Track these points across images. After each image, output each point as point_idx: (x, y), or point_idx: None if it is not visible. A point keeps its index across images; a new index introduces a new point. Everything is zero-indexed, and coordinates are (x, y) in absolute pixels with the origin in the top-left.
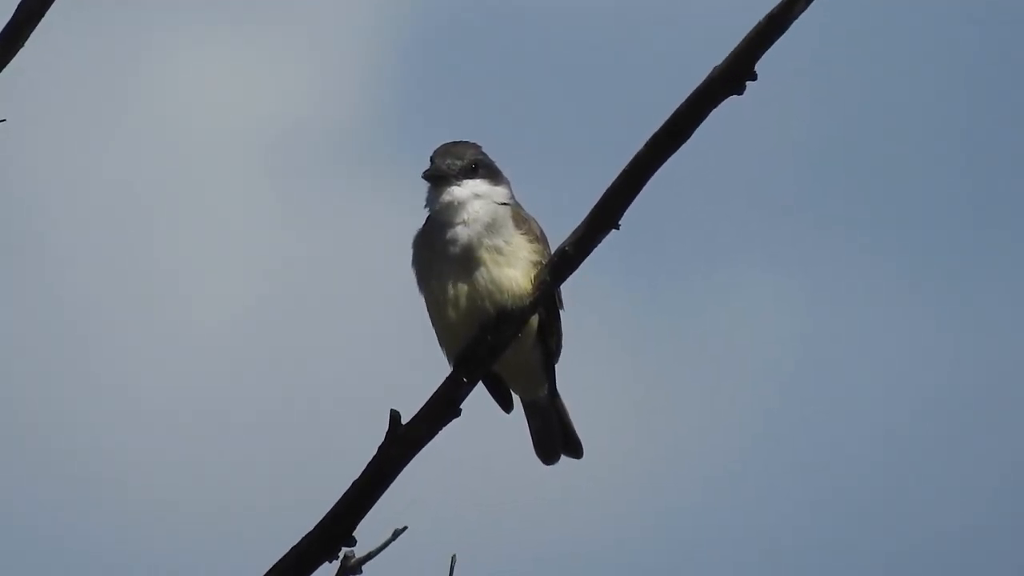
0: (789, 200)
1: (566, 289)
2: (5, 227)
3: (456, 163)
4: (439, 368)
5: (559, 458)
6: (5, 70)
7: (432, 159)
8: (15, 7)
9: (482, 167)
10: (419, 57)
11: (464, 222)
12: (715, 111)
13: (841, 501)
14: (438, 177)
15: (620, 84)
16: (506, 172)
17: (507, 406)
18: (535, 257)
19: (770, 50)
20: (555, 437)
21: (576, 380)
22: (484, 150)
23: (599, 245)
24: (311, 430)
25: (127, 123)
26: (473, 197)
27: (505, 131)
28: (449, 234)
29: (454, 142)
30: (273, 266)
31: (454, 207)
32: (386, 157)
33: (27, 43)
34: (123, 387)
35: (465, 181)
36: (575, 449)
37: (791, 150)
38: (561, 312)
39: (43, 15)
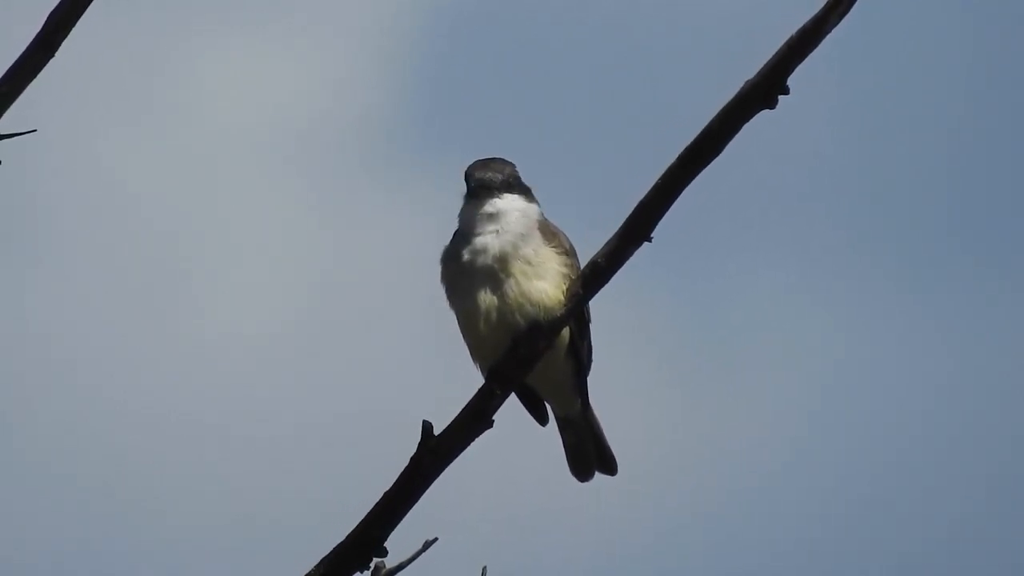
0: (821, 209)
1: (606, 301)
2: (28, 231)
3: (497, 177)
4: (472, 380)
5: (593, 475)
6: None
7: (471, 173)
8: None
9: (517, 184)
10: (441, 50)
11: (496, 233)
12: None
13: (887, 513)
14: (484, 188)
15: (649, 86)
16: (536, 193)
17: (542, 419)
18: (564, 270)
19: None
20: (589, 453)
21: (611, 393)
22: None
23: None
24: (344, 441)
25: (148, 124)
26: (512, 210)
27: (523, 131)
28: (480, 246)
29: (491, 158)
30: (299, 268)
31: (493, 218)
32: (409, 154)
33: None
34: (135, 393)
35: (505, 195)
36: (609, 465)
37: (827, 160)
38: (590, 325)
39: (74, 24)
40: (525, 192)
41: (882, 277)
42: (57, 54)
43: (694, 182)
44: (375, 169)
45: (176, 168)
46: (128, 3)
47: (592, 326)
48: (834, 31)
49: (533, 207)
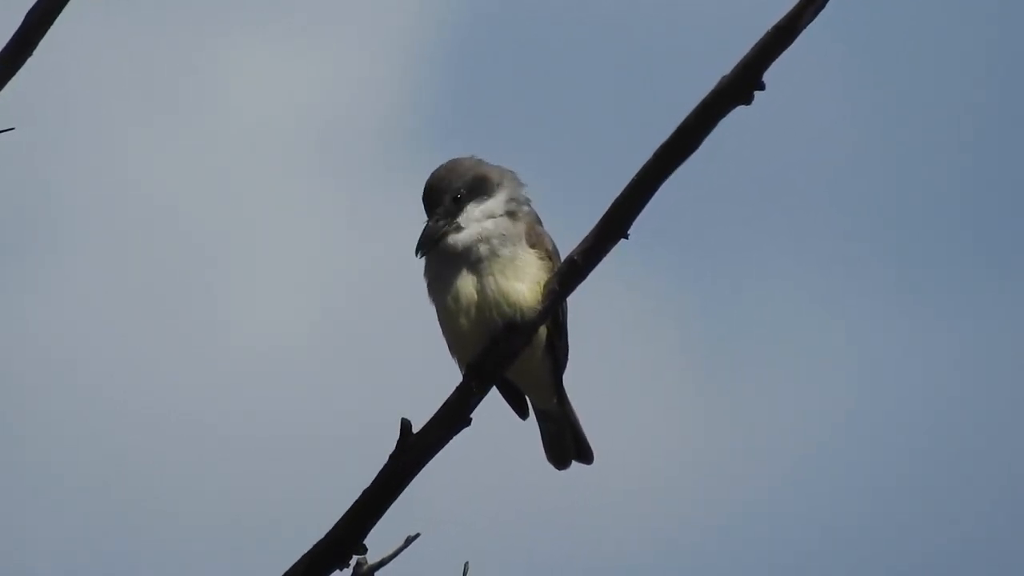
0: (834, 210)
1: (616, 299)
2: (45, 231)
3: (442, 202)
4: (452, 377)
5: (571, 464)
6: (34, 73)
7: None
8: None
9: (466, 189)
10: (463, 51)
11: (473, 240)
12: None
13: (891, 517)
14: (434, 242)
15: (662, 84)
16: (505, 166)
17: (523, 413)
18: (544, 274)
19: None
20: (566, 443)
21: (614, 389)
22: (462, 158)
23: (608, 254)
24: (325, 440)
25: (166, 125)
26: (474, 223)
27: (544, 131)
28: (461, 248)
29: (430, 182)
30: (317, 269)
31: (463, 246)
32: (431, 155)
33: (68, 44)
34: (141, 394)
35: (459, 218)
36: (586, 455)
37: (838, 161)
38: (566, 326)
39: (52, 22)
40: (479, 191)
41: (893, 278)
42: (73, 53)
43: (715, 180)
44: (397, 170)
45: (193, 168)
46: (148, 3)
47: (595, 324)
48: (849, 31)
49: (495, 201)
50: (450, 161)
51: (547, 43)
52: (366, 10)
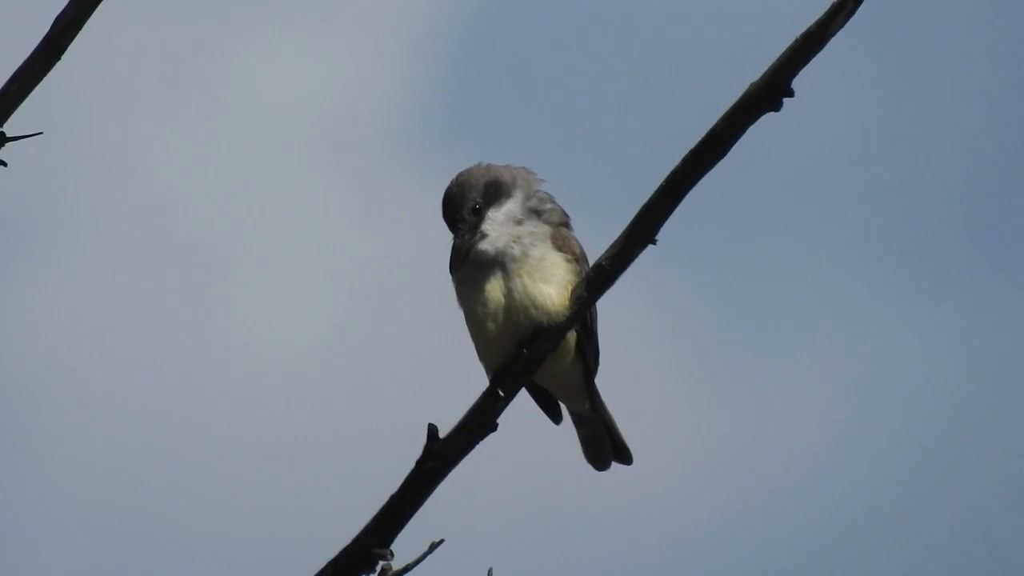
0: (854, 215)
1: (636, 301)
2: (51, 231)
3: (463, 218)
4: (476, 380)
5: (610, 465)
6: (49, 76)
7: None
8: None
9: (482, 198)
10: (472, 47)
11: (501, 245)
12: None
13: (902, 520)
14: (469, 243)
15: (662, 82)
16: (515, 164)
17: (556, 418)
18: (571, 276)
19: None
20: (604, 445)
21: (636, 391)
22: (470, 168)
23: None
24: (347, 445)
25: (177, 123)
26: (498, 227)
27: (551, 127)
28: (492, 253)
29: (446, 200)
30: (328, 267)
31: (494, 251)
32: (441, 152)
33: (82, 43)
34: (150, 396)
35: (483, 225)
36: (624, 456)
37: (856, 168)
38: (596, 331)
39: (82, 26)
40: (496, 195)
41: (897, 278)
42: (78, 51)
43: (726, 184)
44: (407, 167)
45: (199, 166)
46: (153, 1)
47: (619, 327)
48: (848, 36)
49: (513, 203)
50: (459, 175)
51: (555, 41)
52: (374, 7)
